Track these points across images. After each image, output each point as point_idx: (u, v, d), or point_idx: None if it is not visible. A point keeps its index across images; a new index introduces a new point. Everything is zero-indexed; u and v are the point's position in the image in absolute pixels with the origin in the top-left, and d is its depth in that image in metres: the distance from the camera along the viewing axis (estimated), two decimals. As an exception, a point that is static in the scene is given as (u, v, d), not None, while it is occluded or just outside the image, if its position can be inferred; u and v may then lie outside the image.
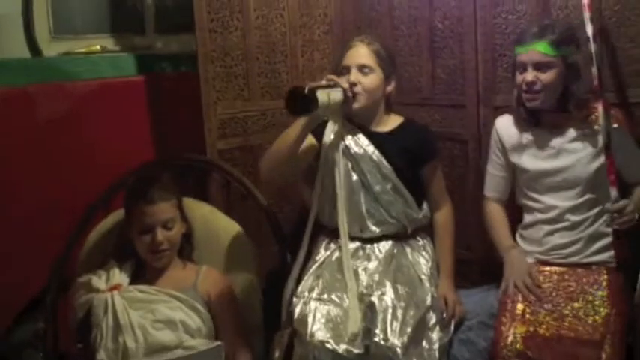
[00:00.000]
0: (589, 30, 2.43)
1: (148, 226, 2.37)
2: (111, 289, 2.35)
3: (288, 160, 2.50)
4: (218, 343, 2.30)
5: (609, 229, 2.50)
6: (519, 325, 2.36)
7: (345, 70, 2.58)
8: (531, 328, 2.36)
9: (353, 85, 2.54)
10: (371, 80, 2.58)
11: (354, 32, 3.12)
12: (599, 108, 2.42)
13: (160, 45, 3.40)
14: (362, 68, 2.57)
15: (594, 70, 2.42)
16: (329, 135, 2.62)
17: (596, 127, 2.48)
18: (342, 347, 2.29)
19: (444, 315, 2.50)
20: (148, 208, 2.36)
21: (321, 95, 2.32)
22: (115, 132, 3.07)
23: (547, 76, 2.45)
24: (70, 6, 3.19)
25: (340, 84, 2.47)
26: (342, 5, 3.19)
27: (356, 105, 2.56)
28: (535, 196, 2.59)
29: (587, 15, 2.44)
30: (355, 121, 2.66)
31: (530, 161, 2.58)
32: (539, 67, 2.45)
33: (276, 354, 2.42)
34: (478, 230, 2.87)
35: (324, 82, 2.45)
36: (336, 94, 2.43)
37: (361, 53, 2.59)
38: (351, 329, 2.33)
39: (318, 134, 2.62)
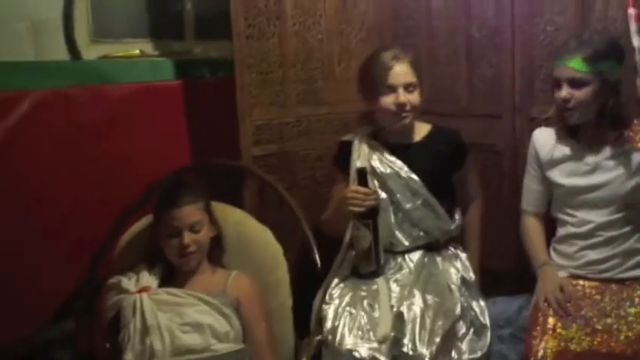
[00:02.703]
0: (636, 41, 2.38)
1: (175, 229, 2.39)
2: (140, 290, 2.37)
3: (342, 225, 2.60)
4: (242, 346, 2.32)
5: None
6: (550, 340, 2.33)
7: (388, 90, 2.58)
8: (562, 344, 2.32)
9: (402, 105, 2.57)
10: (416, 97, 2.61)
11: (391, 41, 3.11)
12: None
13: (199, 50, 3.41)
14: (407, 87, 2.58)
15: (639, 81, 2.37)
16: (355, 164, 2.63)
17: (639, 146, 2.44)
18: (369, 355, 2.27)
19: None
20: (174, 211, 2.39)
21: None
22: (151, 136, 3.09)
23: (581, 94, 2.41)
24: (110, 10, 3.21)
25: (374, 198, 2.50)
26: (379, 14, 3.18)
27: (405, 122, 2.61)
28: (569, 210, 2.55)
29: (634, 26, 2.40)
30: (381, 137, 2.68)
31: (566, 176, 2.54)
32: (573, 84, 2.41)
33: (304, 361, 2.42)
34: (512, 241, 2.84)
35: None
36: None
37: (405, 71, 2.59)
38: (381, 332, 2.32)
39: (344, 167, 2.67)
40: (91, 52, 3.12)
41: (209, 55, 3.41)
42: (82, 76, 3.02)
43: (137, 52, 3.25)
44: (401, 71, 2.59)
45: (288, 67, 3.01)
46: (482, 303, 2.52)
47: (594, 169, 2.48)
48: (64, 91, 2.92)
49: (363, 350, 2.29)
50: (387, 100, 2.58)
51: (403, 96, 2.57)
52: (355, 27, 3.16)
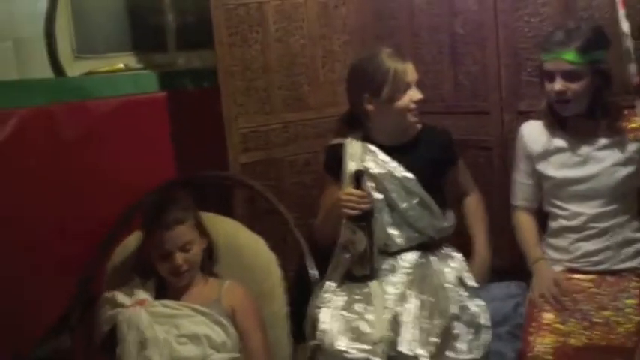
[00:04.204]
0: (625, 27, 2.35)
1: (166, 251, 2.37)
2: (136, 304, 2.35)
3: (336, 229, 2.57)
4: (238, 355, 2.31)
5: (638, 235, 2.45)
6: (548, 336, 2.32)
7: (406, 88, 2.57)
8: (561, 339, 2.32)
9: (420, 101, 2.59)
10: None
11: (374, 42, 3.09)
12: (638, 108, 2.33)
13: (182, 61, 3.40)
14: (417, 84, 2.60)
15: (633, 66, 2.33)
16: (349, 166, 2.61)
17: (630, 136, 2.42)
18: (362, 357, 2.26)
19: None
20: (164, 234, 2.36)
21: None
22: (138, 149, 3.07)
23: (577, 86, 2.38)
24: (92, 25, 3.19)
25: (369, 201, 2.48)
26: (361, 15, 3.15)
27: (418, 119, 2.62)
28: (560, 203, 2.54)
29: (621, 12, 2.37)
30: (374, 139, 2.66)
31: (556, 169, 2.53)
32: (568, 76, 2.38)
33: (300, 366, 2.41)
34: (505, 238, 2.81)
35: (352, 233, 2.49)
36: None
37: (413, 68, 2.60)
38: (377, 334, 2.30)
39: (336, 171, 2.66)
40: (75, 69, 3.11)
41: (192, 65, 3.40)
42: (65, 92, 3.00)
43: (121, 66, 3.23)
44: (412, 69, 2.60)
45: (272, 73, 2.99)
46: (481, 302, 2.48)
47: (586, 161, 2.47)
48: (48, 109, 2.90)
49: (356, 352, 2.27)
50: (406, 99, 2.57)
51: (419, 92, 2.59)
52: (338, 30, 3.13)
